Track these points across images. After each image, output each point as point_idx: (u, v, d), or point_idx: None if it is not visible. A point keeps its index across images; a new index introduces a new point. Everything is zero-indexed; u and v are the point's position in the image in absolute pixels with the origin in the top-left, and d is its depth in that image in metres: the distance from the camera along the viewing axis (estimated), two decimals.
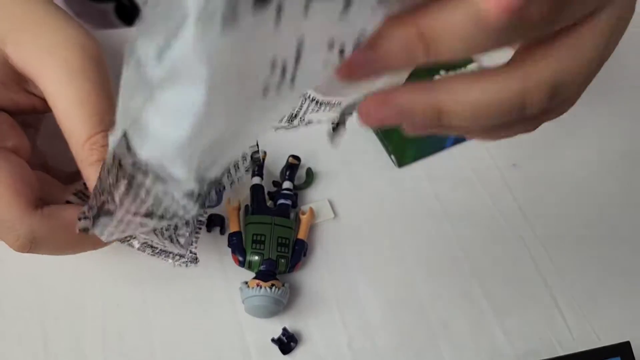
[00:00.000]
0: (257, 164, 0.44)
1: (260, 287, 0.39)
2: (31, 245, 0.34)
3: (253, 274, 0.41)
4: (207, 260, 0.42)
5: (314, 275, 0.43)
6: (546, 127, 0.49)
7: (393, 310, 0.42)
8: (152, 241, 0.36)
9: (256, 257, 0.41)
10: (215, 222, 0.43)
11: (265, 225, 0.42)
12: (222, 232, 0.43)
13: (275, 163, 0.46)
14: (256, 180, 0.44)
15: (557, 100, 0.26)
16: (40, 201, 0.35)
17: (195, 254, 0.38)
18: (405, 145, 0.48)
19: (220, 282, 0.42)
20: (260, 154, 0.44)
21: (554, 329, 0.41)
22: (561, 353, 0.39)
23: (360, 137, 0.48)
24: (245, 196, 0.44)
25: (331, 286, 0.42)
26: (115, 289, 0.42)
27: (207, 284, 0.42)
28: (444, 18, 0.22)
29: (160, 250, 0.37)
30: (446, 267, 0.43)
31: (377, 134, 0.48)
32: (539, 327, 0.41)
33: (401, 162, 0.47)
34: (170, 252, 0.37)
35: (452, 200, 0.46)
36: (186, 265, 0.38)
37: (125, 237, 0.36)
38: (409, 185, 0.47)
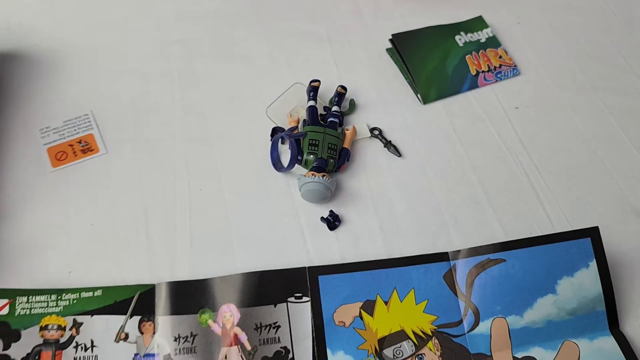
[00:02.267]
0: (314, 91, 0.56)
1: (315, 176, 0.51)
2: None
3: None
4: (270, 161, 0.54)
5: (354, 178, 0.54)
6: (541, 77, 0.61)
7: (415, 206, 0.53)
8: None
9: (311, 156, 0.53)
10: (277, 132, 0.55)
11: (319, 133, 0.53)
12: (282, 142, 0.55)
13: (325, 94, 0.58)
14: (311, 103, 0.56)
15: None
16: None
17: None
18: (430, 86, 0.59)
19: (281, 176, 0.54)
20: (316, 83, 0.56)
21: (541, 224, 0.52)
22: None
23: (392, 79, 0.60)
24: (302, 114, 0.56)
25: (367, 186, 0.54)
26: (197, 179, 0.54)
27: (271, 178, 0.54)
28: None
29: None
30: (458, 178, 0.55)
31: (406, 77, 0.60)
32: (528, 222, 0.52)
33: (426, 99, 0.59)
34: None
35: (465, 131, 0.58)
36: None
37: None
38: (432, 118, 0.58)
